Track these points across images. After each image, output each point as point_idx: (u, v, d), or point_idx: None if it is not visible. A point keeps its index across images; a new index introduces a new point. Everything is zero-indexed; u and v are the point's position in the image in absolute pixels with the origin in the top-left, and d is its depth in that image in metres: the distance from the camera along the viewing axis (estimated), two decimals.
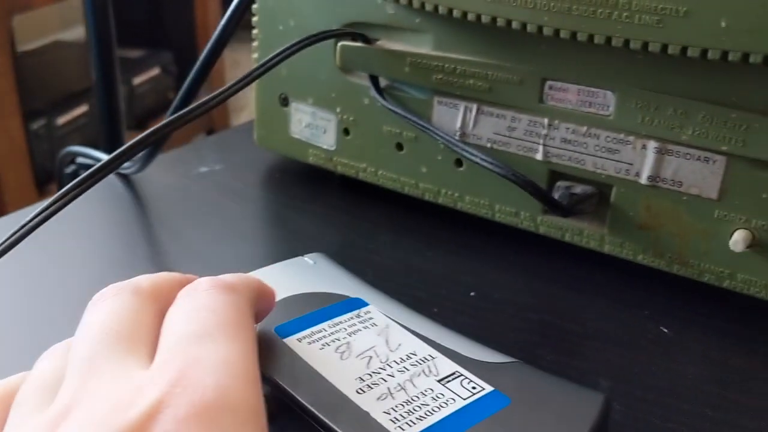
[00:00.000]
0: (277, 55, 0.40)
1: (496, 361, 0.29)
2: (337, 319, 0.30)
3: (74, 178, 0.63)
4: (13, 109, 1.34)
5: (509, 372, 0.28)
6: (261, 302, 0.28)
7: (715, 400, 0.32)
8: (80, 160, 0.63)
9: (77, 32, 1.95)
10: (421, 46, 0.41)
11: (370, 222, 0.46)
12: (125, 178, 0.50)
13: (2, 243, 0.31)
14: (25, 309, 0.37)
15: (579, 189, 0.39)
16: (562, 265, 0.42)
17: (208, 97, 0.37)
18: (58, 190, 0.34)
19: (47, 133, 1.45)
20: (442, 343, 0.29)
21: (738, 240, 0.35)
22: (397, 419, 0.25)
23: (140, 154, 0.48)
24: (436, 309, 0.38)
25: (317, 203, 0.48)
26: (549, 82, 0.38)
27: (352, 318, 0.30)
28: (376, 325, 0.30)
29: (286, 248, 0.44)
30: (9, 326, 0.36)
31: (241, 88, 0.38)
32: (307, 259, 0.35)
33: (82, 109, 1.54)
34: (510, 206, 0.42)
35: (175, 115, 0.36)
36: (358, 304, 0.31)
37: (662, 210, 0.38)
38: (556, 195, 0.39)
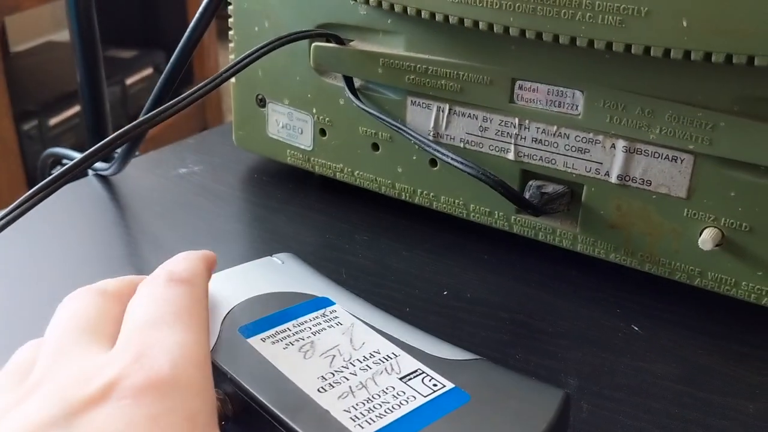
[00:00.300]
0: (251, 54, 0.40)
1: (459, 359, 0.29)
2: (302, 319, 0.30)
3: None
4: (4, 111, 1.34)
5: (472, 369, 0.28)
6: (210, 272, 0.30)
7: (685, 398, 0.33)
8: (65, 162, 0.63)
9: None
10: (393, 46, 0.42)
11: (347, 222, 0.46)
12: (104, 180, 0.50)
13: None
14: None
15: (550, 188, 0.39)
16: (536, 265, 0.42)
17: (181, 96, 0.37)
18: None
19: (39, 134, 1.45)
20: (407, 341, 0.29)
21: (707, 239, 0.36)
22: (356, 417, 0.25)
23: (117, 155, 0.48)
24: (408, 308, 0.38)
25: (295, 204, 0.48)
26: (519, 82, 0.38)
27: (317, 317, 0.31)
28: (341, 324, 0.30)
29: (263, 248, 0.44)
30: None
31: (215, 87, 0.38)
32: (276, 258, 0.35)
33: (75, 109, 1.54)
34: (484, 206, 0.42)
35: (148, 114, 0.36)
36: (324, 303, 0.32)
37: (632, 209, 0.38)
38: (527, 194, 0.39)
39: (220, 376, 0.27)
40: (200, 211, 0.47)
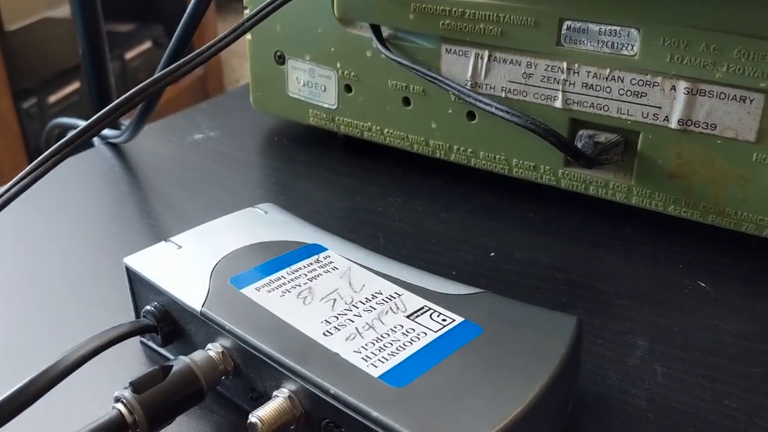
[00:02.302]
0: (269, 4, 0.37)
1: (463, 293, 0.28)
2: (295, 266, 0.29)
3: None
4: (3, 89, 1.31)
5: (478, 302, 0.27)
6: None
7: (765, 357, 0.30)
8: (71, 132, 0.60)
9: (65, 9, 1.91)
10: None
11: (378, 185, 0.43)
12: (116, 148, 0.48)
13: None
14: (17, 280, 0.35)
15: (603, 137, 0.36)
16: (587, 221, 0.39)
17: (197, 51, 0.34)
18: None
19: (39, 112, 1.42)
20: (408, 280, 0.28)
21: None
22: (368, 357, 0.24)
23: (129, 122, 0.45)
24: (455, 272, 0.35)
25: (321, 167, 0.45)
26: (567, 23, 0.35)
27: (311, 263, 0.29)
28: (337, 269, 0.29)
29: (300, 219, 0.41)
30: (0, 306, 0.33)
31: (231, 42, 0.35)
32: (258, 209, 0.33)
33: (74, 86, 1.51)
34: (528, 160, 0.39)
35: (163, 71, 0.33)
36: (316, 249, 0.30)
37: (695, 156, 0.35)
38: (579, 144, 0.36)
39: (216, 329, 0.26)
40: (220, 179, 0.44)
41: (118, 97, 0.32)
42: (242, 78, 2.08)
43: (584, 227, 0.39)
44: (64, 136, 0.62)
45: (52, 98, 1.46)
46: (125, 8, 1.77)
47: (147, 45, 1.75)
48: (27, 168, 0.30)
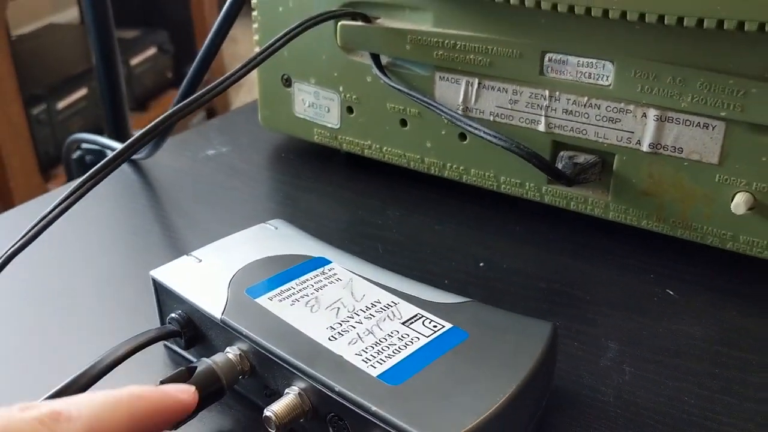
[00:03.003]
0: (279, 39, 0.40)
1: (453, 302, 0.32)
2: (303, 278, 0.33)
3: (81, 163, 0.64)
4: (13, 95, 1.35)
5: (466, 310, 0.31)
6: (159, 414, 0.25)
7: (724, 358, 0.33)
8: (85, 146, 0.64)
9: (70, 14, 1.94)
10: (421, 23, 0.42)
11: (377, 198, 0.47)
12: (134, 164, 0.51)
13: (18, 241, 0.32)
14: (51, 288, 0.38)
15: (582, 158, 0.40)
16: (567, 234, 0.43)
17: (213, 84, 0.37)
18: (67, 176, 0.35)
19: (48, 118, 1.46)
20: (403, 290, 0.32)
21: (739, 203, 0.36)
22: (368, 359, 0.28)
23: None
24: (447, 281, 0.39)
25: (324, 181, 0.49)
26: (549, 55, 0.39)
27: (317, 275, 0.33)
28: (340, 280, 0.33)
29: (298, 227, 0.45)
30: (30, 313, 0.37)
31: (245, 74, 0.39)
32: (269, 225, 0.37)
33: (82, 92, 1.54)
34: (515, 177, 0.43)
35: (183, 102, 0.37)
36: (321, 262, 0.34)
37: (664, 176, 0.38)
38: (559, 165, 0.40)
39: (234, 335, 0.30)
40: (233, 192, 0.48)
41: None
42: (244, 82, 2.11)
43: (565, 239, 0.42)
44: (80, 149, 0.65)
45: (61, 104, 1.49)
46: (130, 14, 1.80)
47: (152, 51, 1.78)
48: (70, 188, 0.33)
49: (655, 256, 0.40)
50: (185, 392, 0.27)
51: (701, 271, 0.39)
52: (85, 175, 0.33)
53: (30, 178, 1.36)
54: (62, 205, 0.32)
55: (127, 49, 1.70)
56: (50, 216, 0.32)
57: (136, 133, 0.35)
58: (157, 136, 0.37)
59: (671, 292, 0.38)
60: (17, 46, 1.63)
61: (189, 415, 0.29)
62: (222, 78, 0.38)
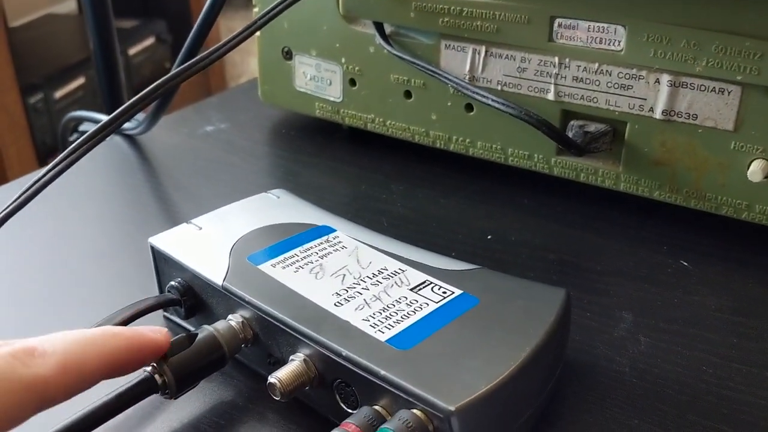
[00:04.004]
0: (279, 4, 0.39)
1: (462, 269, 0.30)
2: (307, 245, 0.32)
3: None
4: (10, 84, 1.33)
5: (475, 277, 0.30)
6: (127, 353, 0.25)
7: (741, 328, 0.32)
8: (85, 125, 0.62)
9: (68, 5, 1.93)
10: None
11: (381, 173, 0.46)
12: (131, 140, 0.50)
13: (9, 204, 0.31)
14: (50, 258, 0.37)
15: (593, 127, 0.39)
16: (577, 206, 0.41)
17: (211, 50, 0.36)
18: None
19: (45, 107, 1.44)
20: (411, 258, 0.31)
21: (756, 170, 0.35)
22: (376, 324, 0.27)
23: (145, 114, 0.47)
24: (454, 253, 0.38)
25: (326, 157, 0.48)
26: (558, 20, 0.38)
27: (321, 243, 0.32)
28: (345, 248, 0.32)
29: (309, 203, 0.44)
30: (29, 283, 0.36)
31: (243, 40, 0.38)
32: (271, 194, 0.36)
33: (79, 81, 1.53)
34: (523, 149, 0.42)
35: (180, 67, 0.36)
36: (325, 231, 0.33)
37: (678, 144, 0.37)
38: (569, 134, 0.39)
39: (236, 302, 0.29)
40: (231, 167, 0.47)
41: (126, 92, 0.35)
42: (244, 73, 2.10)
43: (575, 212, 0.41)
44: (79, 128, 0.64)
45: (58, 93, 1.48)
46: (128, 4, 1.79)
47: (150, 41, 1.77)
48: (59, 157, 0.32)
49: (667, 228, 0.39)
50: (158, 332, 0.26)
51: (715, 242, 0.38)
52: (73, 145, 0.32)
53: (27, 167, 1.35)
54: (55, 170, 0.31)
55: (126, 39, 1.69)
56: (43, 180, 0.31)
57: (131, 99, 0.34)
58: (150, 103, 0.36)
59: (685, 263, 0.37)
60: (15, 36, 1.61)
61: (191, 382, 0.28)
62: (220, 44, 0.37)
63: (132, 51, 1.69)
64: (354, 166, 0.47)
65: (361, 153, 0.48)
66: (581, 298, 0.34)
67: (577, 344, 0.31)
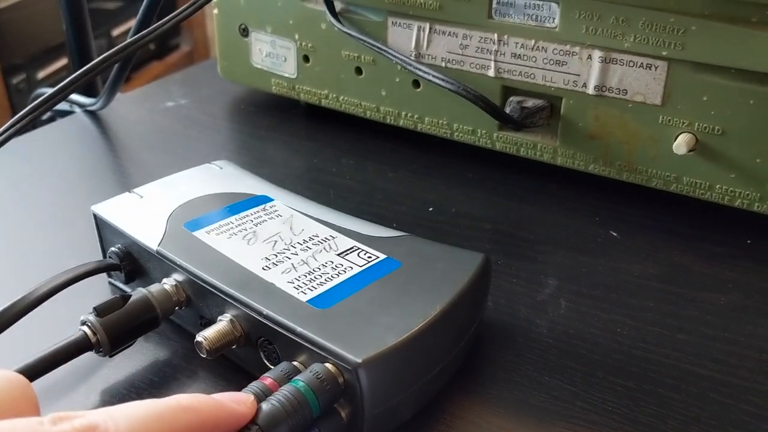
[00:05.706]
0: None
1: (390, 236, 0.32)
2: (243, 213, 0.33)
3: (50, 122, 0.63)
4: None
5: (402, 243, 0.31)
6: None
7: (660, 293, 0.34)
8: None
9: None
10: None
11: (334, 148, 0.47)
12: (93, 115, 0.51)
13: None
14: None
15: (530, 103, 0.40)
16: (518, 180, 0.43)
17: (165, 19, 0.38)
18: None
19: (28, 88, 1.45)
20: (343, 226, 0.32)
21: (681, 143, 0.37)
22: (299, 287, 0.28)
23: (104, 88, 0.49)
24: (395, 224, 0.39)
25: (282, 131, 0.49)
26: None
27: (258, 211, 0.33)
28: (280, 216, 0.33)
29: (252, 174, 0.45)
30: None
31: (196, 10, 0.39)
32: (214, 165, 0.37)
33: (62, 62, 1.53)
34: (467, 125, 0.43)
35: (132, 38, 0.37)
36: (263, 200, 0.34)
37: (610, 119, 0.39)
38: (508, 109, 0.40)
39: (170, 266, 0.30)
40: (189, 141, 0.48)
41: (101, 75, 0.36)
42: None
43: (515, 184, 0.42)
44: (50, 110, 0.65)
45: (41, 74, 1.48)
46: None
47: (133, 22, 1.77)
48: (7, 124, 0.33)
49: (602, 200, 0.41)
50: (242, 403, 0.23)
51: (646, 213, 0.40)
52: (23, 111, 0.33)
53: None
54: (2, 137, 0.32)
55: (109, 20, 1.69)
56: None
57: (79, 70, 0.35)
58: (100, 73, 0.37)
59: (614, 233, 0.38)
60: None
61: (125, 341, 0.29)
62: (174, 13, 0.38)
63: (115, 32, 1.70)
64: (308, 141, 0.48)
65: (316, 128, 0.49)
66: (510, 264, 0.36)
67: (502, 307, 0.33)
